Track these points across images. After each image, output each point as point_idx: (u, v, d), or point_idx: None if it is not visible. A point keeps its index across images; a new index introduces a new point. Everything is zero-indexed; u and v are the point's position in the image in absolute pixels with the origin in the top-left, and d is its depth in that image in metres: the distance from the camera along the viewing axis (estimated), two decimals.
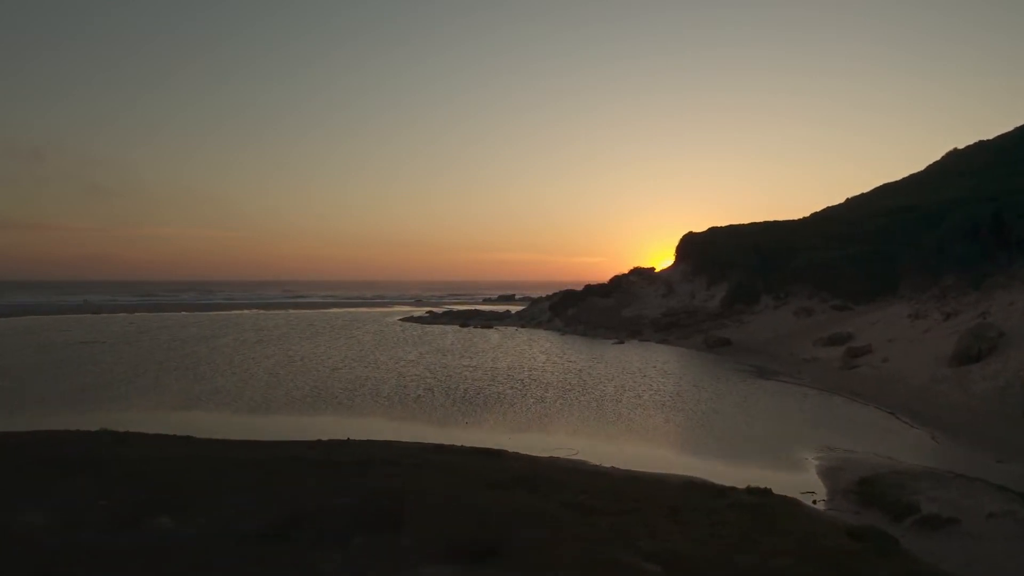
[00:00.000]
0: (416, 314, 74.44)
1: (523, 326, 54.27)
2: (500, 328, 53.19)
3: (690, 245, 56.55)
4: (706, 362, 32.68)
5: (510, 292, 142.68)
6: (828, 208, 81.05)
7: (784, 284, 42.63)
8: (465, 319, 59.13)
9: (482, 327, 53.33)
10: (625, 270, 58.30)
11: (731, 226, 58.51)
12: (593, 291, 52.95)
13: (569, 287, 67.53)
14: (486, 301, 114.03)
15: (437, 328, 54.43)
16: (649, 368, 30.33)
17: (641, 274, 56.78)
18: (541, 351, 37.45)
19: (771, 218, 61.74)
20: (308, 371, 29.49)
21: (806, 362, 30.95)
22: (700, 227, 66.71)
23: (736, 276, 45.09)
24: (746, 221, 60.55)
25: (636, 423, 19.21)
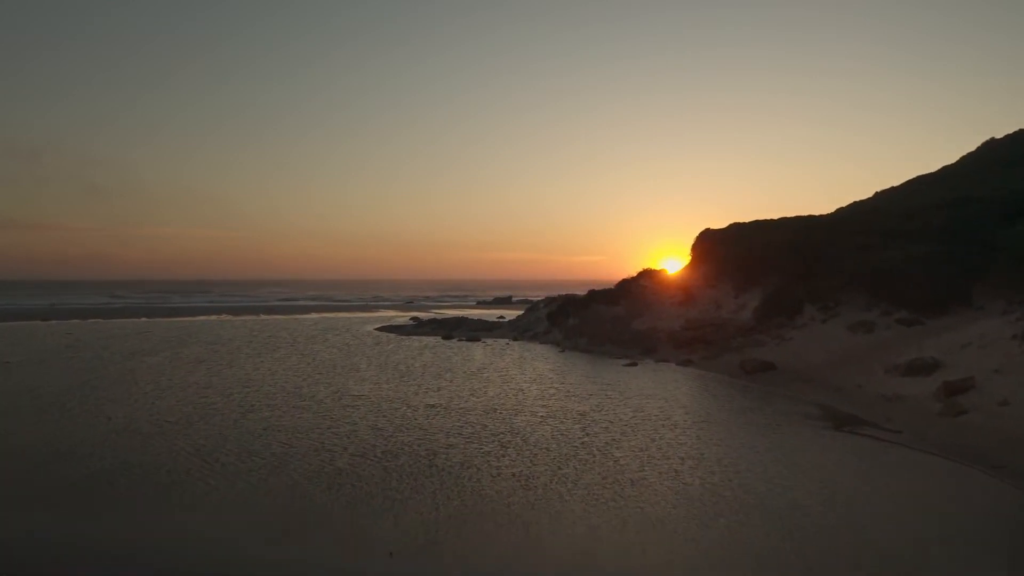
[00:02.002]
0: (399, 320, 66.92)
1: (516, 338, 46.46)
2: (489, 341, 45.41)
3: (710, 244, 48.72)
4: (749, 397, 24.86)
5: (507, 294, 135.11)
6: (855, 203, 73.43)
7: (832, 291, 34.78)
8: (450, 329, 51.36)
9: (467, 340, 45.55)
10: (627, 270, 51.03)
11: (757, 222, 50.69)
12: (598, 297, 45.12)
13: (569, 287, 59.92)
14: (480, 304, 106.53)
15: (416, 341, 46.64)
16: (676, 409, 22.54)
17: (653, 278, 48.94)
18: (533, 378, 29.66)
19: (778, 215, 53.72)
20: (213, 414, 21.76)
21: (887, 401, 23.14)
22: (704, 225, 59.00)
23: (771, 281, 37.25)
24: (754, 219, 52.75)
25: (679, 544, 11.41)
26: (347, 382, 28.27)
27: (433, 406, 22.84)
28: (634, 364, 32.81)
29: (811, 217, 48.10)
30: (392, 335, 50.73)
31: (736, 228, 50.61)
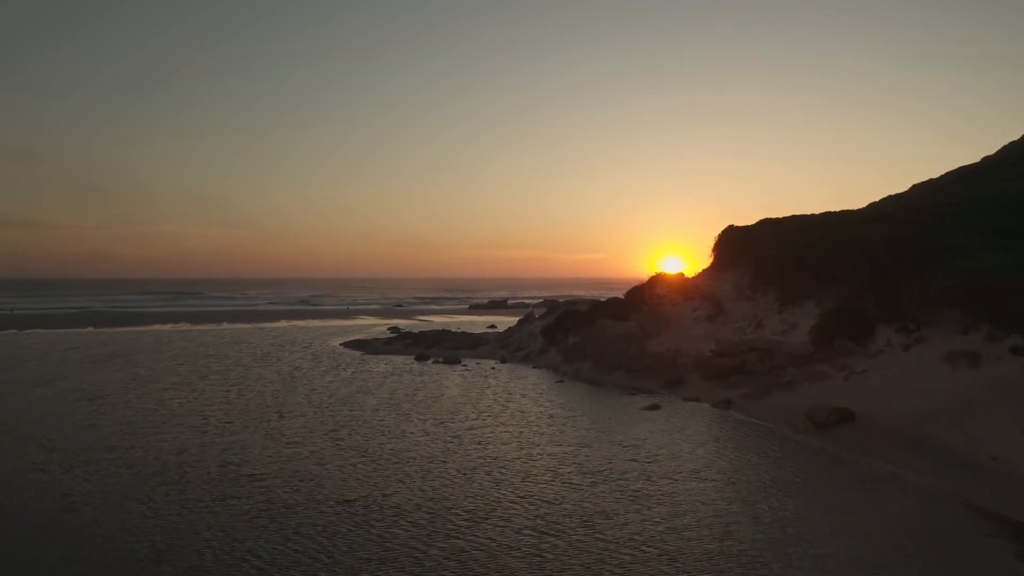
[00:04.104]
0: (376, 330, 59.02)
1: (504, 359, 38.21)
2: (470, 364, 37.19)
3: (738, 244, 40.54)
4: (841, 477, 16.60)
5: (504, 295, 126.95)
6: (890, 197, 65.12)
7: (913, 307, 26.56)
8: (428, 345, 43.15)
9: (445, 361, 37.34)
10: (628, 267, 43.59)
11: (796, 217, 42.51)
12: (604, 311, 36.81)
13: (570, 285, 52.09)
14: (473, 308, 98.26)
15: (382, 363, 38.46)
16: (735, 508, 14.37)
17: (669, 285, 40.73)
18: (518, 432, 21.47)
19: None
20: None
21: None
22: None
23: (829, 293, 29.03)
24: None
25: None
26: (255, 441, 20.11)
27: (353, 502, 14.65)
28: (655, 407, 24.54)
29: (881, 209, 39.86)
30: (358, 353, 42.52)
31: (769, 225, 42.42)
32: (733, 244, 41.59)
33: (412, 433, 21.10)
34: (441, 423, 22.58)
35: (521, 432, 21.15)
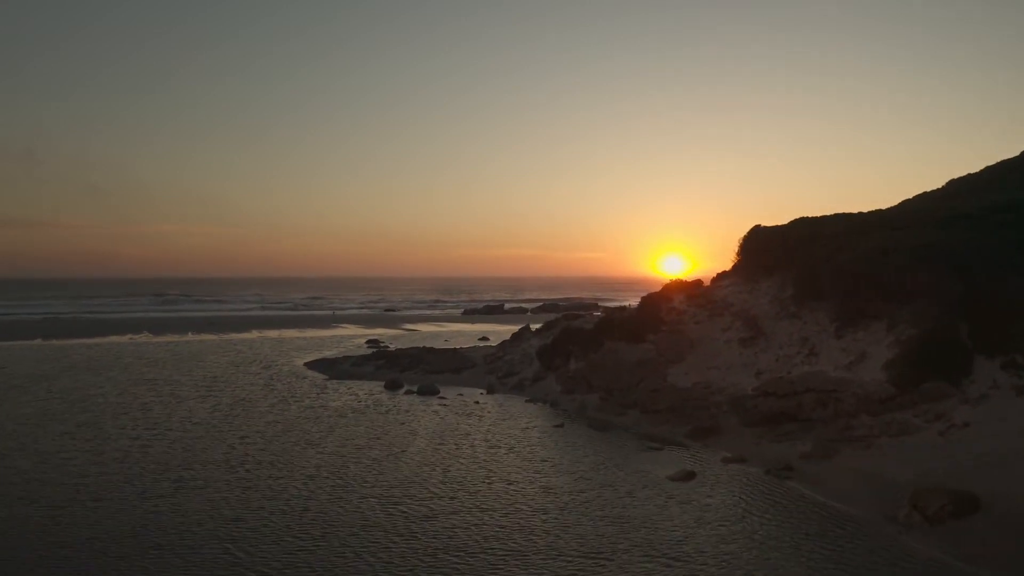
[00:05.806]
0: (355, 342, 52.97)
1: (491, 389, 31.82)
2: (451, 392, 30.82)
3: (772, 247, 34.16)
4: None
5: (501, 299, 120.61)
6: (924, 194, 58.55)
7: (1018, 337, 20.20)
8: (404, 367, 36.75)
9: (420, 392, 30.97)
10: (631, 267, 37.40)
11: (841, 215, 36.10)
12: (613, 330, 30.28)
13: (570, 285, 45.79)
14: (467, 314, 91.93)
15: (344, 392, 32.13)
16: None
17: (690, 295, 34.37)
18: (498, 523, 15.08)
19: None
20: None
21: None
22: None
23: (905, 315, 22.62)
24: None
25: None
26: (115, 538, 13.66)
27: None
28: (689, 475, 18.05)
29: (946, 198, 33.39)
30: (321, 377, 36.15)
31: (806, 225, 35.97)
32: (764, 248, 35.21)
33: (344, 526, 14.74)
34: (392, 503, 16.25)
35: (502, 527, 14.77)
